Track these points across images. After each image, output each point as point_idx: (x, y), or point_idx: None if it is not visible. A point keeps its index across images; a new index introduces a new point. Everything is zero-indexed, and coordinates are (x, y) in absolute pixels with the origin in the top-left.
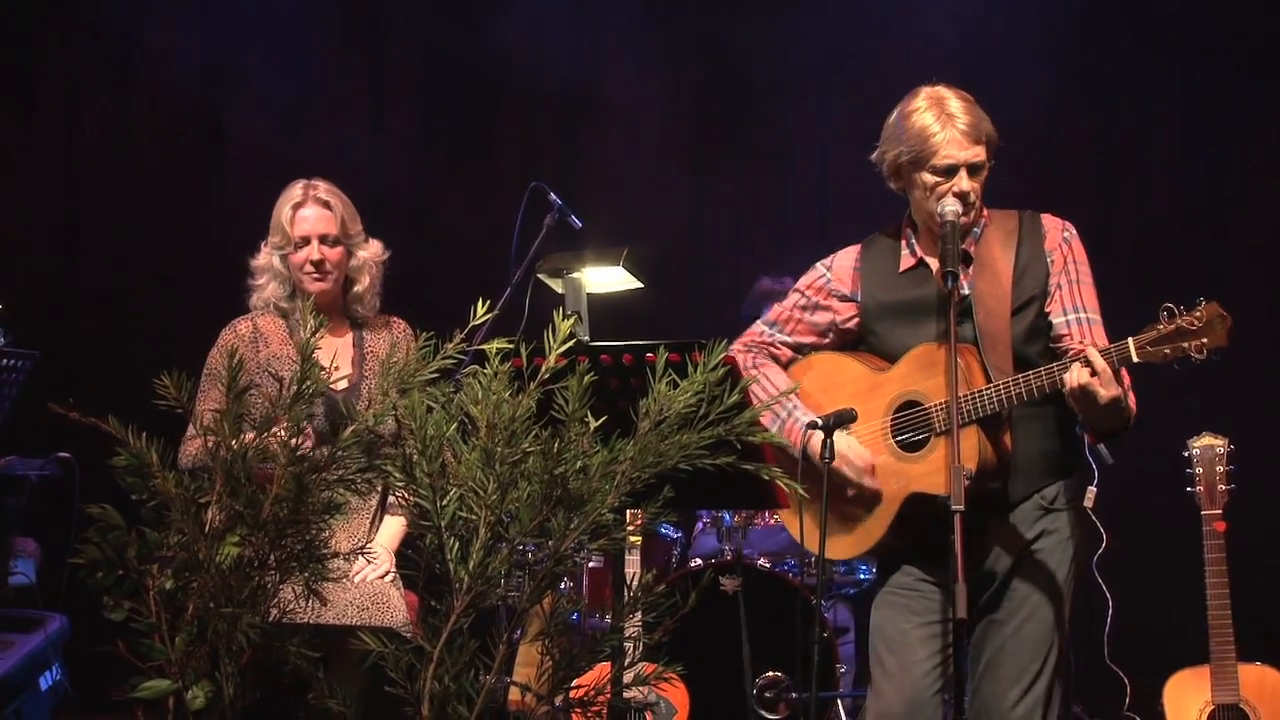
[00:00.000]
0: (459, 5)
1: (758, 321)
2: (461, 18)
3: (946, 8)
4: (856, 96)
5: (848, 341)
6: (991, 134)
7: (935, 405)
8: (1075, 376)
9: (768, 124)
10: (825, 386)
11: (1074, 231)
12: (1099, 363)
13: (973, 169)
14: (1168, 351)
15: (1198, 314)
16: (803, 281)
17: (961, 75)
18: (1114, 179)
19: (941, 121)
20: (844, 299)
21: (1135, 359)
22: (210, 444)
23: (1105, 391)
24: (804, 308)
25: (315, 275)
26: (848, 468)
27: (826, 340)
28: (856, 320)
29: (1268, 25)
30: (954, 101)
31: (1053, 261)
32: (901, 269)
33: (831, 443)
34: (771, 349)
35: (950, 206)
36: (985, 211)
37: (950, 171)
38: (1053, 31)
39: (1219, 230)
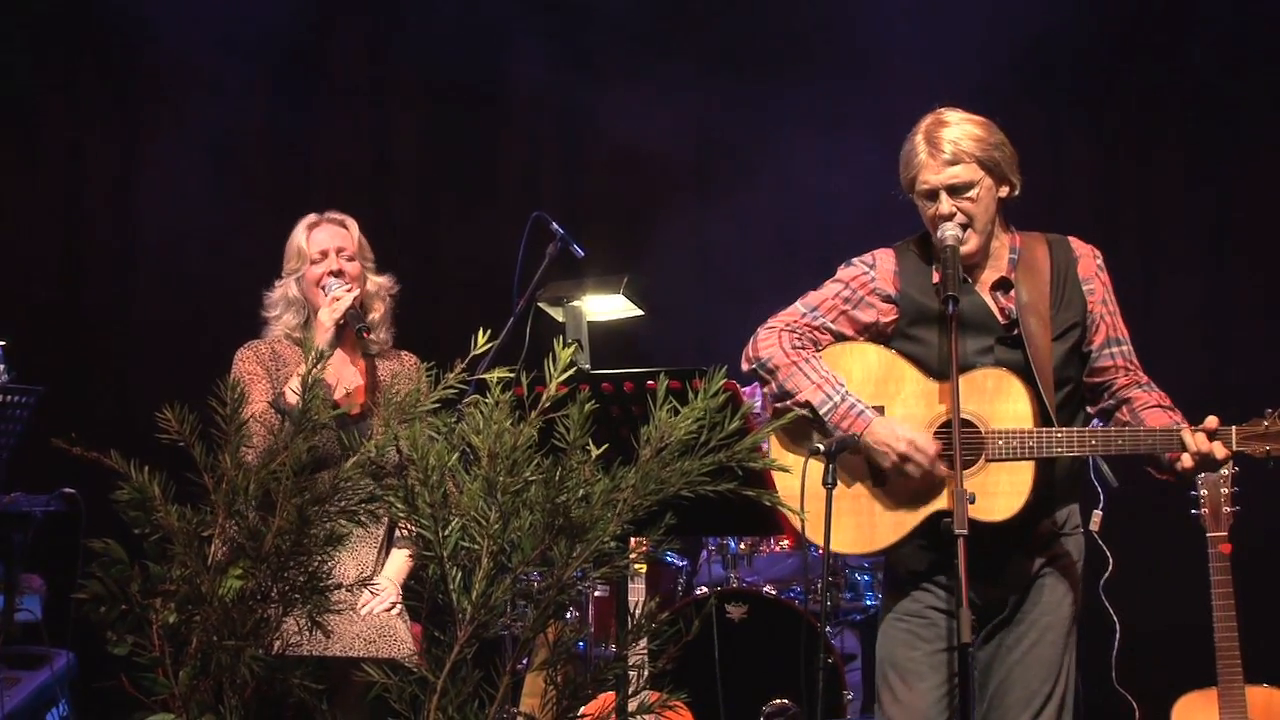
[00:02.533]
0: (458, 38)
1: (796, 304)
2: (461, 49)
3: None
4: (860, 126)
5: (876, 341)
6: (984, 154)
7: (994, 432)
8: (1198, 444)
9: (770, 152)
10: (875, 379)
11: (1102, 258)
12: (1205, 448)
13: (953, 190)
14: (1268, 449)
15: None
16: (845, 274)
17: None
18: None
19: (924, 146)
20: (887, 300)
21: (1235, 447)
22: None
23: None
24: (848, 300)
25: (336, 286)
26: (919, 455)
27: (862, 339)
28: (894, 325)
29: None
30: (946, 127)
31: (1091, 291)
32: (936, 280)
33: (834, 468)
34: (815, 333)
35: (950, 232)
36: (1017, 236)
37: (931, 195)
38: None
39: (1220, 250)
